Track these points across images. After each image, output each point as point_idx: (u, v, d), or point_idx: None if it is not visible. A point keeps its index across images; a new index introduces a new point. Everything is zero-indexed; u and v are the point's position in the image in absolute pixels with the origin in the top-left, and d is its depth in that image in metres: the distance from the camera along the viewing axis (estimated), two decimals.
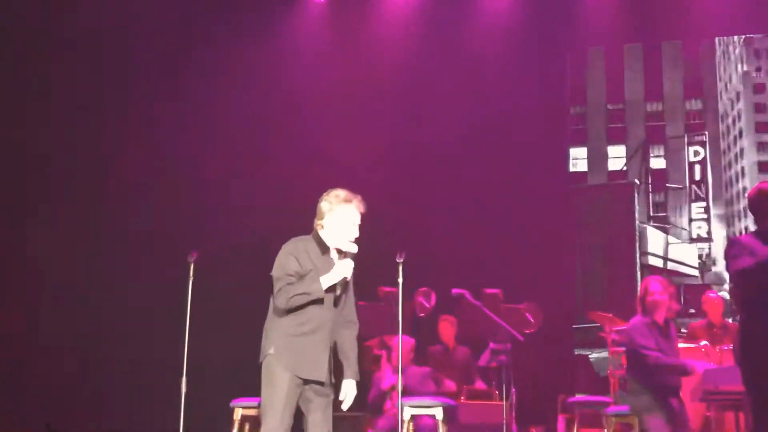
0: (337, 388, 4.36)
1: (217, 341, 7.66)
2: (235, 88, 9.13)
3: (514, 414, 6.64)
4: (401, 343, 5.61)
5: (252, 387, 4.50)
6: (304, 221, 4.47)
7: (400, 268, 4.87)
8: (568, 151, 10.82)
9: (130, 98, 8.83)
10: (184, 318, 5.32)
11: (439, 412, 5.97)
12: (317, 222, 4.39)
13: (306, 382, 4.21)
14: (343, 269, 4.25)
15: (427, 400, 6.05)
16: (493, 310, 6.99)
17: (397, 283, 4.89)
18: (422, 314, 7.87)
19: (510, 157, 9.22)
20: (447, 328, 7.68)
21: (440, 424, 5.96)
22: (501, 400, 6.57)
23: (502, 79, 9.42)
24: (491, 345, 6.97)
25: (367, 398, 6.88)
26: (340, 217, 4.35)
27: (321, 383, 4.23)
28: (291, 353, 4.18)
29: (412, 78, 9.38)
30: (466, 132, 9.22)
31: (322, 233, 4.38)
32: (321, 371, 4.22)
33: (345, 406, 4.36)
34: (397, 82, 9.33)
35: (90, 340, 8.24)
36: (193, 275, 5.45)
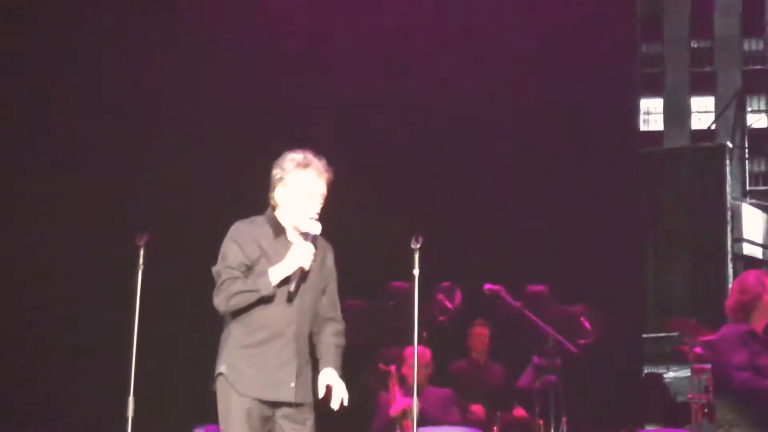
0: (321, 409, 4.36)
1: (177, 349, 7.73)
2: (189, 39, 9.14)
3: None
4: (417, 355, 5.58)
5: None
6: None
7: (416, 256, 4.89)
8: (638, 103, 10.78)
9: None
10: (132, 318, 5.36)
11: None
12: (270, 194, 4.37)
13: (273, 405, 4.21)
14: (299, 256, 4.21)
15: (449, 430, 6.11)
16: (538, 314, 7.03)
17: (413, 276, 4.91)
18: (443, 318, 7.91)
19: (559, 111, 9.22)
20: (480, 338, 7.72)
21: None
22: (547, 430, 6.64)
23: (550, 5, 9.40)
24: (535, 360, 7.02)
25: (372, 427, 6.95)
26: (294, 188, 4.32)
27: (290, 404, 4.22)
28: (246, 371, 4.20)
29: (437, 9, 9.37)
30: (500, 73, 9.21)
31: (275, 209, 4.38)
32: (285, 389, 4.21)
33: (334, 405, 4.27)
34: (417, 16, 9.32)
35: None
36: (144, 263, 5.48)
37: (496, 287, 7.12)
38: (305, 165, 4.32)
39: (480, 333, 7.73)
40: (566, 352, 6.71)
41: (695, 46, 41.05)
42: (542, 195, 9.12)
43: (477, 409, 7.25)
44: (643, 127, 28.73)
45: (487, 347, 7.72)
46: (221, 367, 4.23)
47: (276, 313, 4.23)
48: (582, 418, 7.34)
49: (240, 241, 4.27)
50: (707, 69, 40.59)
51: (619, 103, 9.86)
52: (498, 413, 7.27)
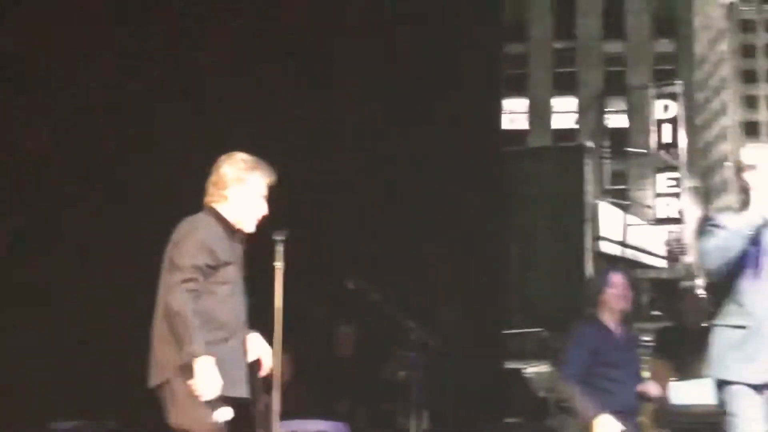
0: None
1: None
2: None
3: None
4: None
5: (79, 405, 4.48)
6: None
7: (279, 248, 4.91)
8: (501, 104, 10.99)
9: None
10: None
11: None
12: (218, 193, 4.46)
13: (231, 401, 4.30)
14: None
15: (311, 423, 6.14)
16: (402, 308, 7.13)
17: (274, 269, 4.93)
18: None
19: (423, 110, 9.33)
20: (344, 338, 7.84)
21: None
22: (407, 424, 6.72)
23: (415, 4, 9.50)
24: (397, 353, 7.12)
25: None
26: (252, 188, 4.46)
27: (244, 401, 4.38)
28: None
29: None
30: (364, 71, 9.26)
31: (223, 209, 4.46)
32: (240, 387, 4.37)
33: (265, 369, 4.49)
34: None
35: None
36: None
37: (359, 281, 7.19)
38: (260, 167, 4.48)
39: (344, 333, 7.84)
40: (428, 346, 6.82)
41: (558, 47, 42.05)
42: (406, 192, 9.20)
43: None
44: (507, 127, 29.29)
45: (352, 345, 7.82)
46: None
47: (233, 311, 4.38)
48: (444, 412, 7.47)
49: (211, 242, 4.34)
50: (569, 70, 41.64)
51: (484, 103, 10.03)
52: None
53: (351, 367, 7.77)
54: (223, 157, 4.53)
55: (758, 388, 4.55)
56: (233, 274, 4.43)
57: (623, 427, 5.92)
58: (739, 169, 4.89)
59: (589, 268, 20.23)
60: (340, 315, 7.83)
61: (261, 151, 4.69)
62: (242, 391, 4.36)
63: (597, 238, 25.40)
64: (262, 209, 4.50)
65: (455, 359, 7.87)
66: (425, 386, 6.67)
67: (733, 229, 4.61)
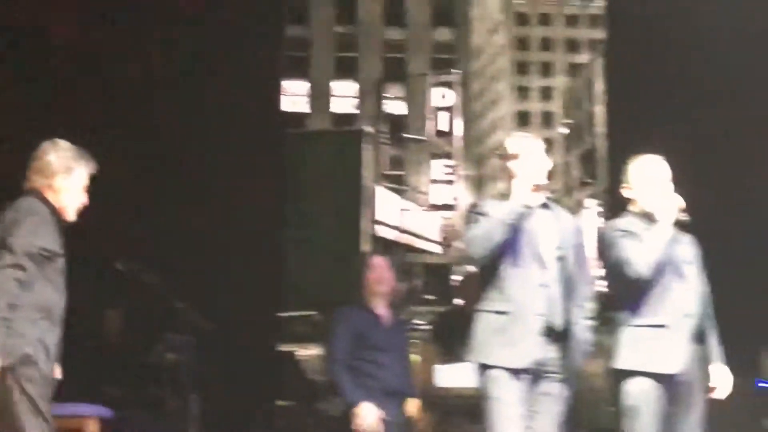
0: None
1: None
2: None
3: (194, 429, 6.77)
4: None
5: None
6: None
7: None
8: (282, 86, 11.01)
9: None
10: None
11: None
12: (42, 181, 4.43)
13: None
14: None
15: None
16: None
17: None
18: None
19: (202, 90, 9.25)
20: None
21: None
22: (177, 407, 6.68)
23: None
24: (167, 336, 7.07)
25: None
26: (77, 179, 4.49)
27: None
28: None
29: None
30: (143, 52, 9.12)
31: (48, 197, 4.43)
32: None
33: None
34: None
35: None
36: None
37: (129, 262, 7.08)
38: (85, 157, 4.53)
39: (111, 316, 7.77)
40: (200, 329, 6.78)
41: (339, 31, 42.42)
42: (182, 172, 9.09)
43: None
44: (288, 109, 29.37)
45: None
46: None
47: (57, 299, 4.39)
48: (214, 395, 7.45)
49: (47, 227, 4.34)
50: (350, 54, 42.08)
51: (264, 85, 10.01)
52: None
53: (118, 350, 7.67)
54: (47, 145, 4.48)
55: (517, 372, 4.75)
56: (62, 263, 4.42)
57: (384, 415, 6.08)
58: (503, 157, 5.09)
59: (365, 253, 20.58)
60: (108, 297, 7.71)
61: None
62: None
63: (373, 222, 25.83)
64: (84, 199, 4.52)
65: (227, 342, 7.85)
66: (195, 369, 6.64)
67: (496, 217, 4.78)
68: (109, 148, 8.57)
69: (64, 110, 8.08)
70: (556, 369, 4.83)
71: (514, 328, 4.76)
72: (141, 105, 8.83)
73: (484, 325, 4.86)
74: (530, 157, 4.99)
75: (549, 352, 4.81)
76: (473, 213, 4.96)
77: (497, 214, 4.80)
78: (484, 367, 4.81)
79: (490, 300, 4.86)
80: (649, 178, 5.15)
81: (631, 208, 5.21)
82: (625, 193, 5.25)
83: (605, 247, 5.10)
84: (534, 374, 4.78)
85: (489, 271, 4.87)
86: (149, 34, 9.05)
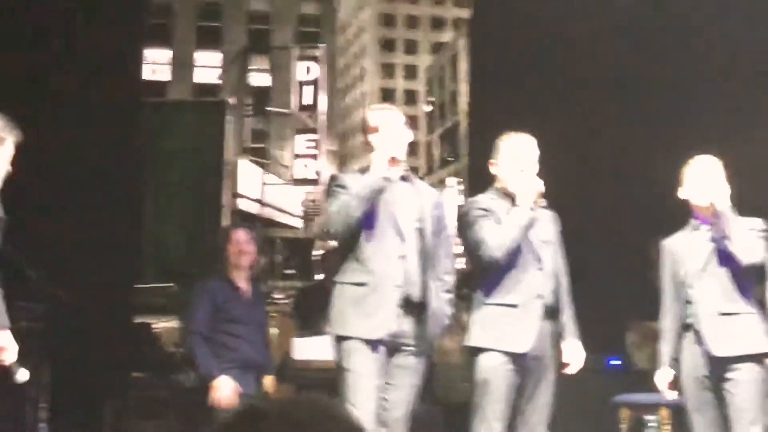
0: None
1: None
2: None
3: (44, 399, 6.68)
4: None
5: None
6: None
7: None
8: (143, 53, 10.84)
9: None
10: None
11: None
12: None
13: None
14: None
15: None
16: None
17: None
18: None
19: (62, 55, 9.06)
20: None
21: None
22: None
23: None
24: (19, 304, 6.95)
25: None
26: (7, 150, 4.58)
27: None
28: None
29: None
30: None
31: None
32: None
33: None
34: None
35: None
36: None
37: None
38: (13, 127, 4.54)
39: None
40: (54, 298, 6.69)
41: (204, 0, 41.88)
42: (38, 139, 8.88)
43: None
44: (149, 77, 28.89)
45: None
46: None
47: None
48: (68, 365, 7.36)
49: None
50: (214, 24, 41.59)
51: (125, 52, 9.84)
52: None
53: None
54: None
55: (374, 343, 4.81)
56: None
57: (240, 388, 6.11)
58: (365, 130, 5.14)
59: (227, 226, 20.42)
60: None
61: None
62: None
63: (235, 195, 25.67)
64: (9, 169, 4.51)
65: (83, 312, 7.76)
66: (49, 338, 6.55)
67: (355, 191, 4.83)
68: None
69: None
70: (413, 341, 4.91)
71: (371, 299, 4.81)
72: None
73: (342, 297, 4.90)
74: (390, 130, 5.04)
75: (406, 324, 4.88)
76: (333, 186, 4.99)
77: (356, 187, 4.84)
78: (341, 339, 4.85)
79: (350, 272, 4.91)
80: (515, 157, 5.23)
81: (496, 185, 5.31)
82: (491, 169, 5.32)
83: (464, 225, 5.18)
84: (390, 346, 4.85)
85: (348, 244, 4.91)
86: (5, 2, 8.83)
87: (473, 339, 5.12)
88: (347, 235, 4.85)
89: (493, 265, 5.03)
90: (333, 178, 5.14)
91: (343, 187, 4.90)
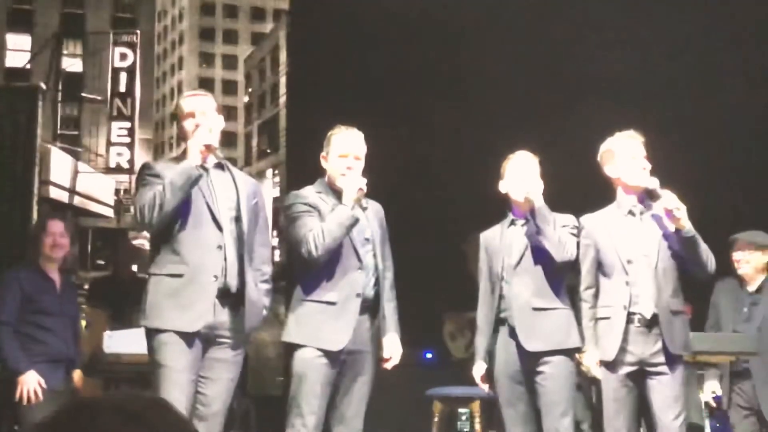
0: None
1: None
2: None
3: None
4: None
5: None
6: None
7: None
8: None
9: None
10: None
11: None
12: None
13: None
14: None
15: None
16: None
17: None
18: None
19: None
20: None
21: None
22: None
23: None
24: None
25: None
26: None
27: None
28: None
29: None
30: None
31: None
32: None
33: None
34: None
35: None
36: None
37: None
38: None
39: None
40: None
41: None
42: None
43: None
44: None
45: None
46: None
47: None
48: None
49: None
50: (26, 6, 40.21)
51: None
52: None
53: None
54: None
55: (190, 336, 4.71)
56: None
57: (44, 384, 5.92)
58: (178, 117, 5.03)
59: (35, 214, 19.70)
60: None
61: None
62: None
63: (45, 183, 24.86)
64: None
65: None
66: None
67: (169, 179, 4.70)
68: None
69: None
70: (229, 333, 4.83)
71: (188, 290, 4.70)
72: None
73: (157, 288, 4.77)
74: (203, 116, 4.94)
75: (223, 316, 4.80)
76: (145, 175, 4.84)
77: (170, 175, 4.72)
78: (156, 332, 4.73)
79: (165, 263, 4.78)
80: (339, 151, 5.22)
81: (325, 179, 5.29)
82: (322, 162, 5.31)
83: (286, 220, 5.14)
84: (206, 339, 4.76)
85: (163, 234, 4.79)
86: None
87: (289, 335, 5.09)
88: (161, 225, 4.71)
89: (313, 263, 5.00)
90: (145, 167, 4.97)
91: (156, 176, 4.77)
